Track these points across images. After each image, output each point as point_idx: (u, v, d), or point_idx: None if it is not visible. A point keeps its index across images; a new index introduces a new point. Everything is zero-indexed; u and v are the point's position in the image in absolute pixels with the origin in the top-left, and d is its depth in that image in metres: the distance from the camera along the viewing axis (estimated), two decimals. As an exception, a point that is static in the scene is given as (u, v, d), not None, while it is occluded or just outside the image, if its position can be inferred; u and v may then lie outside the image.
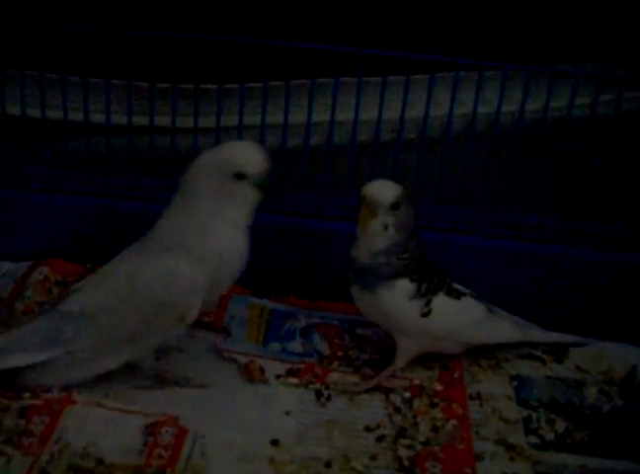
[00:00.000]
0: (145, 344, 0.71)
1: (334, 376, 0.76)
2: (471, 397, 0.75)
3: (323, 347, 0.80)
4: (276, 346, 0.80)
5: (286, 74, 0.82)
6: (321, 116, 0.86)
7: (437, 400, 0.74)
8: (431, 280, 0.75)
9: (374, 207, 0.71)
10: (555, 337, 0.82)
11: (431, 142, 0.85)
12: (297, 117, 0.85)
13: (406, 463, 0.67)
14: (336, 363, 0.78)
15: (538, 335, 0.81)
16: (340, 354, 0.79)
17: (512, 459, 0.69)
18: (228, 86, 0.85)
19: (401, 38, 0.78)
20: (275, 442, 0.68)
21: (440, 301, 0.74)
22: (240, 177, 0.69)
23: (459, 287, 0.78)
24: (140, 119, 0.86)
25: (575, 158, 0.82)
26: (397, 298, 0.73)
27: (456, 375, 0.77)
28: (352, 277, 0.75)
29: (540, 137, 0.81)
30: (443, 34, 0.77)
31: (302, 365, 0.76)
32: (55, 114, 0.86)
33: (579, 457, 0.70)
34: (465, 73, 0.82)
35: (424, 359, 0.78)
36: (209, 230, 0.69)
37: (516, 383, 0.78)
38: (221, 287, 0.73)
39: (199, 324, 0.76)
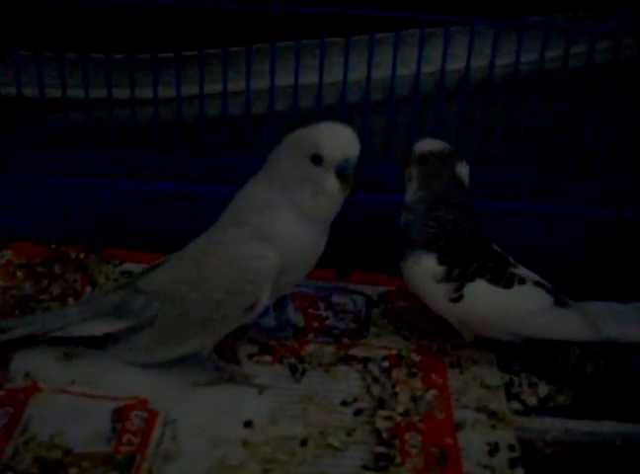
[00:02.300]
0: (214, 332, 0.68)
1: (309, 348, 0.74)
2: (451, 365, 0.74)
3: (297, 319, 0.78)
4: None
5: (271, 37, 0.78)
6: (310, 77, 0.83)
7: (415, 370, 0.72)
8: (467, 265, 0.71)
9: (409, 156, 0.72)
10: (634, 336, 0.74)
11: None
12: (284, 79, 0.82)
13: (385, 436, 0.65)
14: (311, 335, 0.76)
15: (620, 336, 0.73)
16: (315, 324, 0.77)
17: (493, 427, 0.67)
18: (210, 51, 0.82)
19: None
20: (248, 424, 0.66)
21: (479, 288, 0.70)
22: (317, 160, 0.64)
23: (525, 274, 0.73)
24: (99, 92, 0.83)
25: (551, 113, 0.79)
26: (422, 276, 0.71)
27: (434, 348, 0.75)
28: (396, 244, 0.73)
29: (512, 92, 0.79)
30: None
31: (275, 343, 0.74)
32: (28, 91, 0.82)
33: (562, 420, 0.69)
34: (431, 29, 0.79)
35: (401, 329, 0.77)
36: (279, 210, 0.65)
37: (496, 348, 0.76)
38: (290, 277, 0.68)
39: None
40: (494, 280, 0.71)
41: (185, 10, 0.77)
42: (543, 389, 0.72)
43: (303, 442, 0.64)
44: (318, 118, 0.77)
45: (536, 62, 0.78)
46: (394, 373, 0.71)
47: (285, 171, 0.65)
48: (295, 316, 0.78)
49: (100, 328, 0.70)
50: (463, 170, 0.72)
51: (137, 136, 0.83)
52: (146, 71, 0.82)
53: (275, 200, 0.66)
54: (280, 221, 0.65)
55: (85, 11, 0.77)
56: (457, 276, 0.71)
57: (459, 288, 0.70)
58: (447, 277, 0.71)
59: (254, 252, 0.65)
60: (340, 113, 0.79)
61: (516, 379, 0.73)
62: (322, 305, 0.79)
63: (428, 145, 0.72)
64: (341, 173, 0.64)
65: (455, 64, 0.80)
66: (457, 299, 0.71)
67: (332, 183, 0.64)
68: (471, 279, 0.71)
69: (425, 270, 0.71)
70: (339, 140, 0.64)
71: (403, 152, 0.73)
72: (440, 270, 0.71)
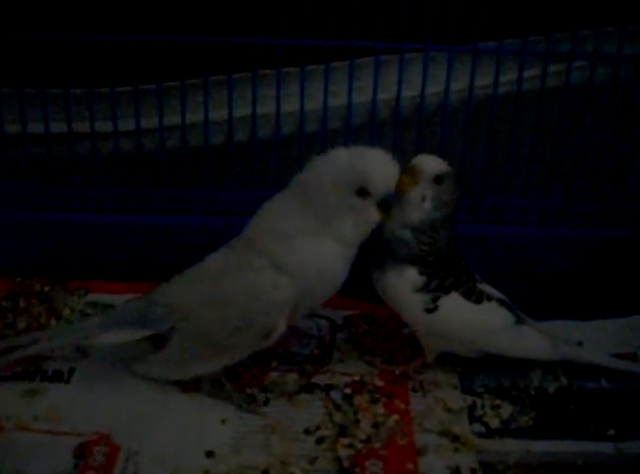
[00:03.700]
0: (229, 355, 0.69)
1: (273, 376, 0.74)
2: (414, 389, 0.74)
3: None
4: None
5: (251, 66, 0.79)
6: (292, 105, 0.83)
7: (377, 395, 0.72)
8: (445, 278, 0.71)
9: (417, 175, 0.69)
10: (597, 360, 0.75)
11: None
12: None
13: (346, 464, 0.65)
14: (275, 363, 0.76)
15: (576, 356, 0.75)
16: (280, 350, 0.77)
17: (456, 450, 0.68)
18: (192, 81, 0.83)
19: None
20: (210, 454, 0.66)
21: (452, 301, 0.71)
22: (363, 193, 0.63)
23: (491, 292, 0.74)
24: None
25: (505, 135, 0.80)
26: (403, 286, 0.71)
27: (397, 372, 0.75)
28: (373, 253, 0.72)
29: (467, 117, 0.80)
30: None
31: (238, 369, 0.74)
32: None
33: (524, 442, 0.69)
34: (386, 57, 0.80)
35: (365, 354, 0.77)
36: (306, 242, 0.65)
37: (459, 370, 0.76)
38: (308, 305, 0.69)
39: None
40: (466, 295, 0.72)
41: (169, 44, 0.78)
42: (506, 411, 0.72)
43: (265, 472, 0.65)
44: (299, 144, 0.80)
45: (490, 86, 0.79)
46: (356, 400, 0.72)
47: (324, 200, 0.64)
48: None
49: (121, 336, 0.70)
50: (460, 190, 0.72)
51: (98, 170, 0.84)
52: (120, 104, 0.83)
53: (302, 228, 0.65)
54: (301, 251, 0.65)
55: (67, 46, 0.78)
56: (435, 287, 0.71)
57: (435, 300, 0.71)
58: (426, 288, 0.71)
59: (271, 283, 0.65)
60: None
61: (479, 401, 0.73)
62: (287, 331, 0.79)
63: (440, 165, 0.70)
64: (384, 203, 0.65)
65: (410, 91, 0.81)
66: (432, 310, 0.71)
67: (375, 213, 0.65)
68: (447, 292, 0.71)
69: (405, 279, 0.71)
70: (385, 173, 0.64)
71: (410, 172, 0.69)
72: (420, 280, 0.71)
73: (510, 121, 0.80)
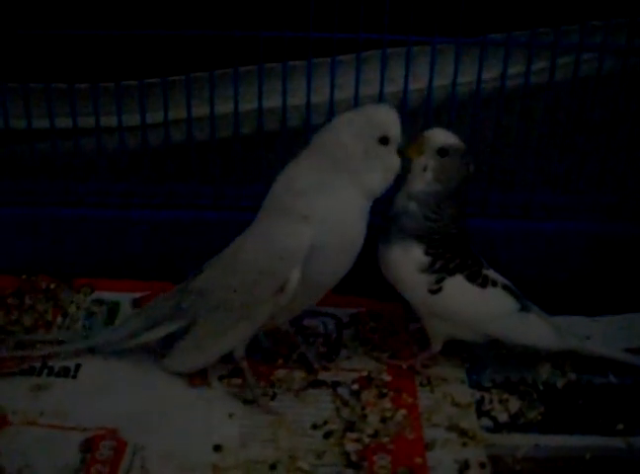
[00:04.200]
0: (248, 322, 0.69)
1: (280, 373, 0.74)
2: (422, 384, 0.74)
3: (267, 342, 0.77)
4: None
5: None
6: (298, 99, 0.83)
7: (385, 390, 0.72)
8: (451, 260, 0.71)
9: (423, 145, 0.70)
10: (604, 351, 0.75)
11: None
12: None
13: (354, 458, 0.65)
14: (281, 361, 0.76)
15: (582, 347, 0.75)
16: (285, 351, 0.77)
17: (464, 445, 0.67)
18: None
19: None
20: (217, 448, 0.66)
21: (457, 283, 0.71)
22: (385, 140, 0.67)
23: (495, 277, 0.74)
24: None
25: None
26: (407, 265, 0.71)
27: (404, 366, 0.75)
28: (381, 228, 0.72)
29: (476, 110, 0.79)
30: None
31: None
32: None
33: (532, 436, 0.69)
34: (393, 50, 0.80)
35: (372, 350, 0.77)
36: (331, 192, 0.66)
37: (467, 365, 0.76)
38: (330, 267, 0.68)
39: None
40: (471, 278, 0.72)
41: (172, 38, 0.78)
42: (514, 405, 0.72)
43: (273, 466, 0.64)
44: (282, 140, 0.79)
45: (498, 79, 0.79)
46: (364, 395, 0.71)
47: (351, 153, 0.66)
48: (265, 340, 0.77)
49: (158, 333, 0.72)
50: (472, 168, 0.72)
51: (103, 164, 0.83)
52: (125, 98, 0.82)
53: (327, 183, 0.66)
54: (327, 203, 0.66)
55: (71, 41, 0.77)
56: (440, 268, 0.71)
57: (440, 281, 0.71)
58: (430, 268, 0.71)
59: (288, 230, 0.66)
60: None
61: (487, 396, 0.73)
62: (292, 329, 0.79)
63: (447, 138, 0.71)
64: (400, 150, 0.68)
65: (418, 84, 0.81)
66: (436, 291, 0.71)
67: (397, 160, 0.68)
68: (452, 274, 0.71)
69: (411, 258, 0.71)
70: (397, 120, 0.68)
71: (418, 139, 0.70)
72: (426, 260, 0.71)
73: (518, 114, 0.79)
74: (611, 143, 0.80)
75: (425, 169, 0.70)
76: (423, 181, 0.70)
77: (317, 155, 0.67)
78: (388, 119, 0.67)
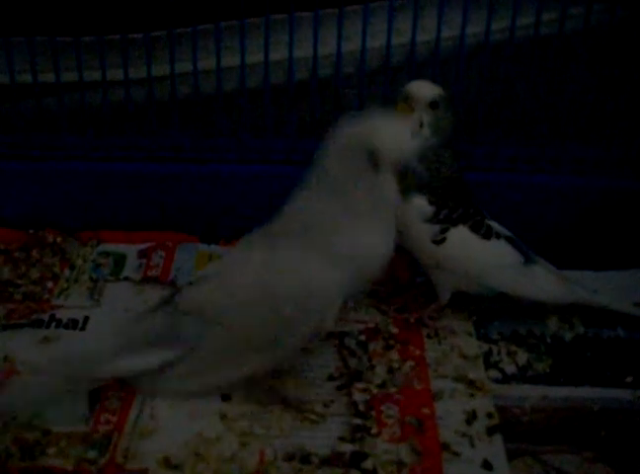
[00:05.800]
0: (276, 352, 0.64)
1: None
2: (429, 336, 0.74)
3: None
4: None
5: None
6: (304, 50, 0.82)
7: (392, 342, 0.72)
8: (454, 209, 0.71)
9: (413, 102, 0.69)
10: (613, 304, 0.74)
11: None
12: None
13: (361, 408, 0.65)
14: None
15: (591, 299, 0.74)
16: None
17: (471, 395, 0.68)
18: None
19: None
20: (226, 397, 0.66)
21: (461, 234, 0.71)
22: (381, 162, 0.61)
23: (499, 229, 0.73)
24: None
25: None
26: (411, 215, 0.70)
27: (412, 320, 0.75)
28: None
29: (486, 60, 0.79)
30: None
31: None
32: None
33: (540, 388, 0.69)
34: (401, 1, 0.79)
35: (379, 302, 0.77)
36: (349, 226, 0.61)
37: (475, 318, 0.76)
38: (358, 288, 0.66)
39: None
40: (474, 229, 0.72)
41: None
42: (522, 357, 0.72)
43: (281, 417, 0.64)
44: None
45: (507, 30, 0.78)
46: (371, 346, 0.71)
47: (347, 179, 0.61)
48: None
49: (152, 360, 0.64)
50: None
51: (109, 118, 0.83)
52: (131, 51, 0.82)
53: (343, 218, 0.62)
54: (354, 241, 0.62)
55: None
56: (444, 218, 0.71)
57: (444, 231, 0.71)
58: (434, 218, 0.71)
59: (325, 272, 0.62)
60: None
61: (495, 348, 0.73)
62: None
63: (433, 89, 0.70)
64: (407, 171, 0.63)
65: (425, 36, 0.80)
66: (440, 242, 0.71)
67: (394, 184, 0.63)
68: (455, 224, 0.71)
69: (414, 208, 0.71)
70: (403, 138, 0.62)
71: (405, 101, 0.69)
72: (429, 210, 0.71)
73: (526, 66, 0.78)
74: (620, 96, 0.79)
75: (421, 125, 0.70)
76: (421, 137, 0.70)
77: (322, 179, 0.62)
78: (390, 138, 0.61)
